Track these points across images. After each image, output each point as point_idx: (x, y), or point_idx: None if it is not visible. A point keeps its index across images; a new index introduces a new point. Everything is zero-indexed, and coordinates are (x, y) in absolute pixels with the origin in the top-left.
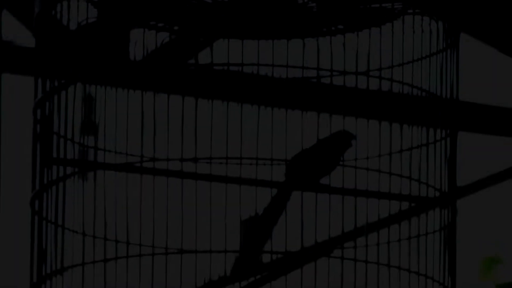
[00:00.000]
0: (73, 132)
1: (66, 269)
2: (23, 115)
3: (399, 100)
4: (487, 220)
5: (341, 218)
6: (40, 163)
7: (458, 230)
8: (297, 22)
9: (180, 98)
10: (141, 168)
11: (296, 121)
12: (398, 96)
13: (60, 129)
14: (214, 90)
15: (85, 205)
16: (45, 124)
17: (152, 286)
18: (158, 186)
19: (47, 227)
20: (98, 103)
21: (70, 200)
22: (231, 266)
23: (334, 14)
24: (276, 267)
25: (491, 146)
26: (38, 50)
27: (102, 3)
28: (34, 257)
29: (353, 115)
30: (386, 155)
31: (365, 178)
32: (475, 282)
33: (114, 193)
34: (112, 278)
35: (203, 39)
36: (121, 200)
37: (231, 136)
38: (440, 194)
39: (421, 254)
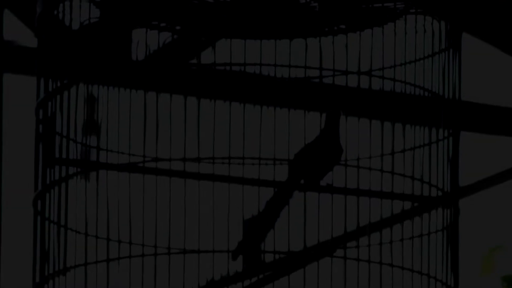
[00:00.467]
0: (76, 132)
1: (68, 269)
2: (25, 115)
3: (402, 100)
4: (489, 220)
5: (344, 218)
6: (42, 163)
7: (460, 229)
8: (300, 22)
9: (182, 98)
10: (143, 168)
11: (299, 121)
12: (401, 96)
13: (62, 129)
14: (216, 90)
15: (87, 205)
16: (48, 124)
17: (154, 286)
18: (160, 186)
19: (49, 227)
20: (101, 103)
21: (73, 200)
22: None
23: (336, 14)
24: (279, 267)
25: (494, 146)
26: (40, 50)
27: (105, 3)
28: (37, 257)
29: (355, 115)
30: (389, 154)
31: (367, 178)
32: (478, 281)
33: (116, 193)
34: (115, 278)
35: (205, 39)
36: (123, 200)
37: (233, 136)
38: (443, 193)
39: (424, 254)
